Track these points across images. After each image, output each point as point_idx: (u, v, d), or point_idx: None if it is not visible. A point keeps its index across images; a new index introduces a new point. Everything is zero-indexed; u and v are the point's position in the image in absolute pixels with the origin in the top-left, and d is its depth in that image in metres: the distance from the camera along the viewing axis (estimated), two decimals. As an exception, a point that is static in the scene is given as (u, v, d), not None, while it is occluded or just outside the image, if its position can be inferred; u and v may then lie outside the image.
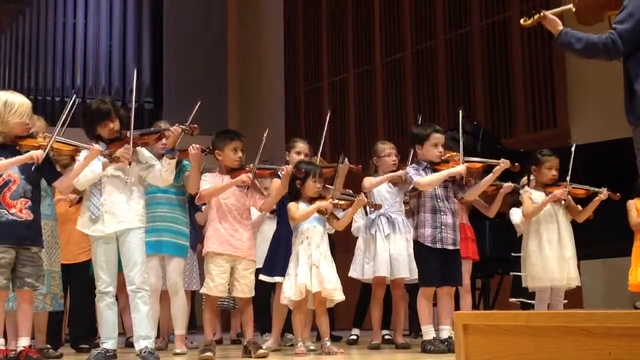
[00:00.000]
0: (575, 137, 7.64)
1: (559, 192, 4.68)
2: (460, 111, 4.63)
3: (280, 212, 4.86)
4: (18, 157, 3.55)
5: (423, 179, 4.39)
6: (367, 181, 4.96)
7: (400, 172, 4.89)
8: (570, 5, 3.52)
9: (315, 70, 11.05)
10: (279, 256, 4.73)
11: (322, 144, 4.96)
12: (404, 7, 9.71)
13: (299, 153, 4.92)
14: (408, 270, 4.86)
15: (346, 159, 4.76)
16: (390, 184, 5.00)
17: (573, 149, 4.72)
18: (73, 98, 3.69)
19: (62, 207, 4.83)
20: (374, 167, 5.11)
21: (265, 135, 4.41)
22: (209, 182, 4.28)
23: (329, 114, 4.99)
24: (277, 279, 4.72)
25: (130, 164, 3.80)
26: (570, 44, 3.34)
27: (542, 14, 3.47)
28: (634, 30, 3.16)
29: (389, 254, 4.88)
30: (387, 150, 5.08)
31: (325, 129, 4.93)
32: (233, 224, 4.23)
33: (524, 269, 4.81)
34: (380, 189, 4.99)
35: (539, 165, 4.82)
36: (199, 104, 4.23)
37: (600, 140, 6.06)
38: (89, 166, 3.76)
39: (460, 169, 4.35)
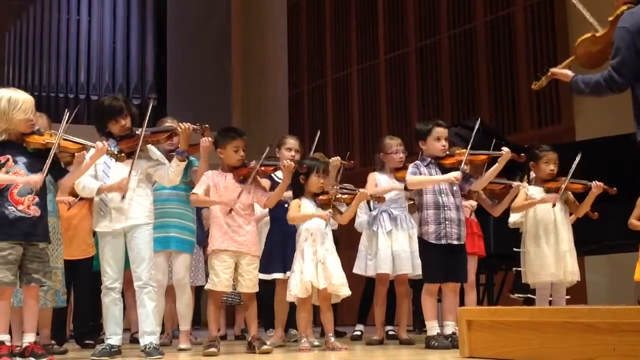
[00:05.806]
0: (579, 132, 7.67)
1: (548, 197, 4.71)
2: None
3: (273, 211, 4.86)
4: (14, 177, 3.54)
5: (412, 177, 4.41)
6: (371, 187, 4.90)
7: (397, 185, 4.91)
8: (573, 57, 3.73)
9: (319, 66, 11.05)
10: (274, 254, 4.80)
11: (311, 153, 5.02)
12: (408, 3, 9.70)
13: (289, 149, 5.00)
14: (411, 267, 4.86)
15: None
16: (393, 179, 5.00)
17: (578, 158, 4.73)
18: (67, 115, 3.72)
19: (64, 208, 4.85)
20: (381, 163, 5.08)
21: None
22: (205, 182, 4.29)
23: (318, 134, 5.10)
24: (275, 275, 4.78)
25: (124, 197, 3.85)
26: (580, 91, 3.55)
27: (549, 72, 3.67)
28: (625, 61, 3.33)
29: (391, 250, 4.87)
30: (394, 147, 5.02)
31: (314, 145, 5.07)
32: (237, 220, 4.24)
33: (523, 264, 4.83)
34: (382, 184, 4.98)
35: (537, 161, 4.85)
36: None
37: (604, 135, 6.05)
38: (92, 179, 3.89)
39: (456, 174, 4.35)
